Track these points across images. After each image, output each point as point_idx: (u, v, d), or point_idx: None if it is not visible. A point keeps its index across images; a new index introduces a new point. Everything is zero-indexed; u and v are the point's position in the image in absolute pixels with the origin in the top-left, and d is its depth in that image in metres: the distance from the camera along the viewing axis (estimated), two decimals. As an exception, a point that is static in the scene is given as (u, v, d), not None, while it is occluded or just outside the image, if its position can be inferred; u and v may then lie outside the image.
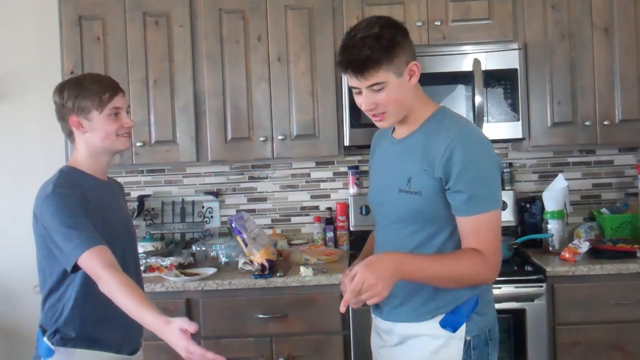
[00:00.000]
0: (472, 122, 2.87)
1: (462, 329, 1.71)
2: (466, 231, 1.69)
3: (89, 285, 1.87)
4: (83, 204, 1.83)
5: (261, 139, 3.06)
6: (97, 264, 1.73)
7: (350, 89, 2.95)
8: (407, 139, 1.79)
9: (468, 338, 1.72)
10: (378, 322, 1.89)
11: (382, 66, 1.64)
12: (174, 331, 1.61)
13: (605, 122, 2.99)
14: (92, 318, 1.90)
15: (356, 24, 1.72)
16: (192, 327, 1.60)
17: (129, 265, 2.02)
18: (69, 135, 1.98)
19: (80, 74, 2.93)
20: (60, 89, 1.94)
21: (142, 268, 2.72)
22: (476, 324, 1.73)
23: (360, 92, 1.71)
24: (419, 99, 1.77)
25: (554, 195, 3.01)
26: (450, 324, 1.71)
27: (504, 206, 3.18)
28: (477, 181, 1.66)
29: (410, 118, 1.77)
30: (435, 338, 1.73)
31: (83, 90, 1.90)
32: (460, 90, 2.94)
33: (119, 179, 3.33)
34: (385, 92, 1.68)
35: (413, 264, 1.65)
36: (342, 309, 1.58)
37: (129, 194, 3.40)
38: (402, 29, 1.72)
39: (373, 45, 1.63)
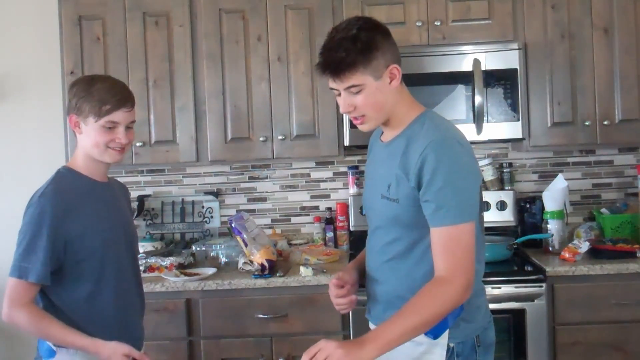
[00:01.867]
0: (472, 122, 2.88)
1: (445, 335, 1.67)
2: (434, 244, 1.62)
3: (90, 287, 1.89)
4: (58, 222, 1.83)
5: (261, 139, 3.06)
6: (17, 298, 1.82)
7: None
8: (390, 144, 1.76)
9: (451, 345, 1.68)
10: (370, 326, 1.87)
11: (357, 69, 1.61)
12: (113, 345, 1.82)
13: (605, 122, 2.99)
14: (95, 319, 1.89)
15: (337, 25, 1.69)
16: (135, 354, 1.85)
17: (126, 268, 2.01)
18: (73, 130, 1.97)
19: (80, 74, 2.99)
20: (72, 85, 1.94)
21: (142, 268, 2.73)
22: (461, 330, 1.69)
23: (340, 94, 1.69)
24: (404, 102, 1.73)
25: (554, 195, 3.01)
26: (431, 331, 1.64)
27: (504, 206, 3.18)
28: (447, 191, 1.59)
29: (395, 122, 1.73)
30: (417, 344, 1.68)
31: (88, 94, 1.87)
32: (460, 90, 2.94)
33: (119, 179, 3.37)
34: (363, 95, 1.65)
35: (380, 335, 1.54)
36: None
37: (129, 194, 3.41)
38: (383, 31, 1.68)
39: (349, 48, 1.61)
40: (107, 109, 1.87)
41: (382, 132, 1.83)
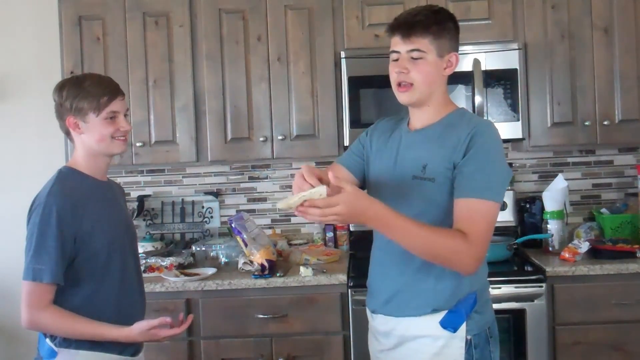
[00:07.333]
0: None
1: (463, 328, 1.72)
2: (460, 212, 1.65)
3: (92, 287, 1.88)
4: (67, 221, 1.83)
5: (261, 139, 3.06)
6: (37, 302, 1.84)
7: (355, 84, 2.95)
8: (425, 130, 1.81)
9: (469, 337, 1.72)
10: (375, 324, 1.88)
11: (428, 35, 1.71)
12: (135, 327, 1.87)
13: (605, 122, 2.99)
14: (96, 319, 1.89)
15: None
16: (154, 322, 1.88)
17: (129, 266, 2.03)
18: (67, 134, 1.98)
19: (80, 73, 2.99)
20: (60, 88, 1.94)
21: (142, 268, 2.73)
22: (476, 322, 1.74)
23: (397, 60, 1.75)
24: (444, 94, 1.82)
25: (554, 195, 3.01)
26: (450, 324, 1.71)
27: (504, 206, 3.18)
28: (484, 168, 1.66)
29: (432, 109, 1.80)
30: (436, 339, 1.73)
31: (82, 92, 1.89)
32: (460, 90, 2.94)
33: (118, 179, 3.38)
34: (421, 63, 1.72)
35: (389, 214, 1.56)
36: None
37: (129, 194, 3.40)
38: (456, 24, 1.80)
39: (429, 15, 1.73)
40: (105, 100, 1.90)
41: (408, 122, 1.87)
